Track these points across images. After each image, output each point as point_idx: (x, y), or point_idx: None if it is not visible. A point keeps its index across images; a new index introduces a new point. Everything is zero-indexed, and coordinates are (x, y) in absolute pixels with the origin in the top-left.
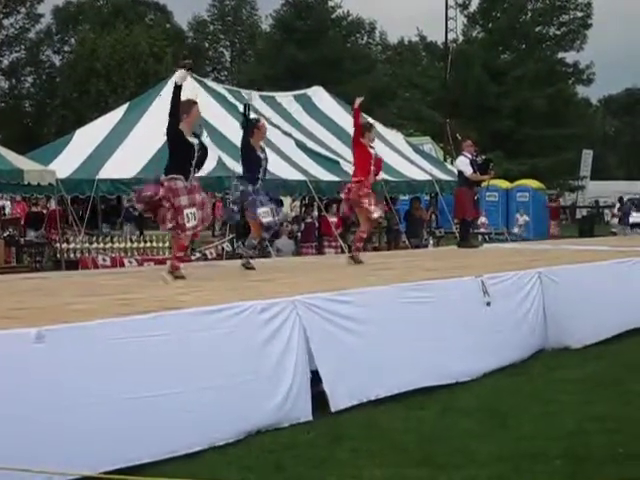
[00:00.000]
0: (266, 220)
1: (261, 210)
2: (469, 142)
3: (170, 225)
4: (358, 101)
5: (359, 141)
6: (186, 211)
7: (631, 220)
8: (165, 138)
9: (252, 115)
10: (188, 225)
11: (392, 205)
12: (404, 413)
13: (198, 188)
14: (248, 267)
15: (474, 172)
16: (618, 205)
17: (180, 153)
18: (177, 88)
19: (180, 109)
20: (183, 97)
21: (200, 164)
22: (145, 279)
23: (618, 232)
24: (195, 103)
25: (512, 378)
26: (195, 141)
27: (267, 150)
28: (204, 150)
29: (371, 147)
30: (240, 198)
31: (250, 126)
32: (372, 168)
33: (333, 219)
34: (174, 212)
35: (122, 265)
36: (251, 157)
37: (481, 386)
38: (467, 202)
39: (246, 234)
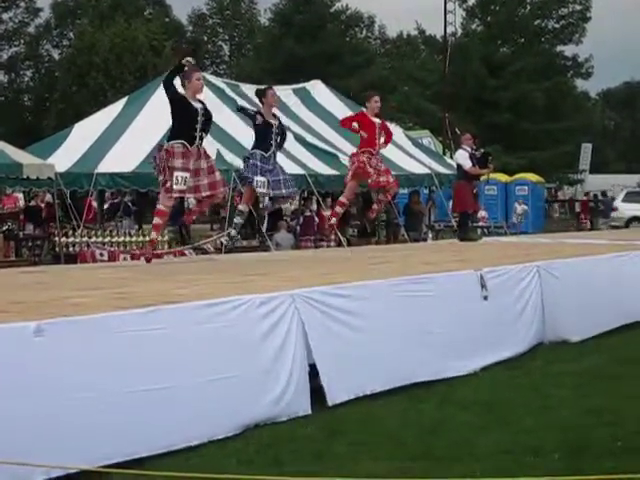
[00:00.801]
0: (259, 190)
1: (258, 179)
2: (468, 135)
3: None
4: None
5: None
6: (176, 174)
7: (628, 214)
8: (164, 129)
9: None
10: (175, 187)
11: (391, 199)
12: (403, 407)
13: (204, 154)
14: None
15: (473, 166)
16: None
17: (182, 118)
18: (178, 66)
19: (181, 78)
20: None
21: (205, 129)
22: (143, 273)
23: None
24: (196, 70)
25: (510, 372)
26: (199, 105)
27: None
28: (208, 115)
29: (376, 116)
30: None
31: (259, 95)
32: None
33: (327, 213)
34: (168, 174)
35: (117, 260)
36: (260, 126)
37: (479, 380)
38: (467, 195)
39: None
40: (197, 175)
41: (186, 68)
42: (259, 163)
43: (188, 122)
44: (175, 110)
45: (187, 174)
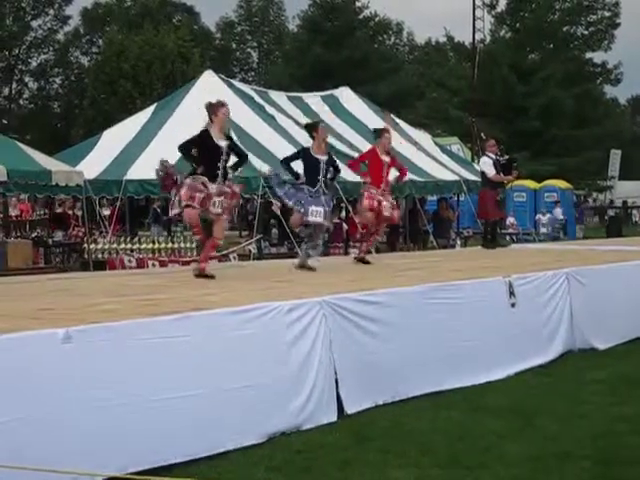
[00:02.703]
0: (315, 219)
1: (313, 209)
2: (492, 142)
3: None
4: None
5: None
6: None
7: None
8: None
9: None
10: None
11: (420, 206)
12: (431, 413)
13: (230, 193)
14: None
15: (497, 172)
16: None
17: (205, 154)
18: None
19: (208, 111)
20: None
21: (235, 166)
22: (172, 280)
23: None
24: (223, 105)
25: (540, 378)
26: (223, 143)
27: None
28: (238, 152)
29: (386, 153)
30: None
31: (309, 130)
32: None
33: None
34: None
35: (145, 266)
36: (308, 161)
37: (509, 386)
38: (489, 203)
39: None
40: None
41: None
42: (308, 197)
43: (210, 159)
44: (200, 146)
45: (221, 198)
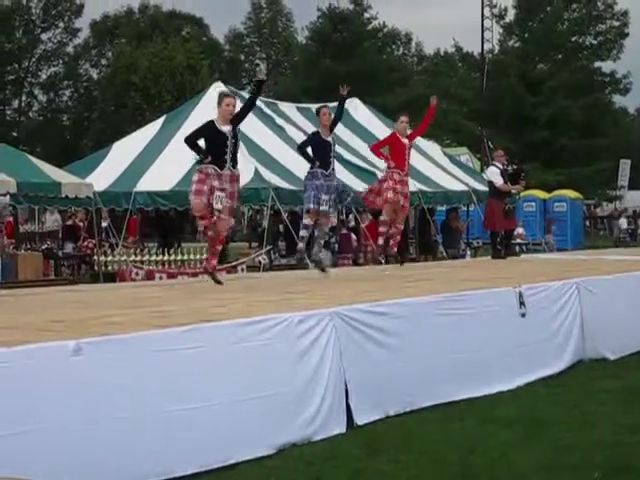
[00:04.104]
0: (323, 208)
1: (324, 197)
2: (500, 152)
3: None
4: None
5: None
6: (216, 193)
7: None
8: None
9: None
10: (214, 206)
11: (429, 216)
12: (442, 424)
13: (237, 179)
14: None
15: (504, 182)
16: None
17: (211, 142)
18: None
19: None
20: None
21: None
22: (182, 291)
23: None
24: (226, 95)
25: (551, 389)
26: (227, 129)
27: None
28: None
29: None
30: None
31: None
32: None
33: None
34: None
35: (152, 278)
36: (319, 143)
37: (520, 397)
38: (496, 214)
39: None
40: (231, 197)
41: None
42: (322, 182)
43: (216, 146)
44: (206, 135)
45: (223, 194)
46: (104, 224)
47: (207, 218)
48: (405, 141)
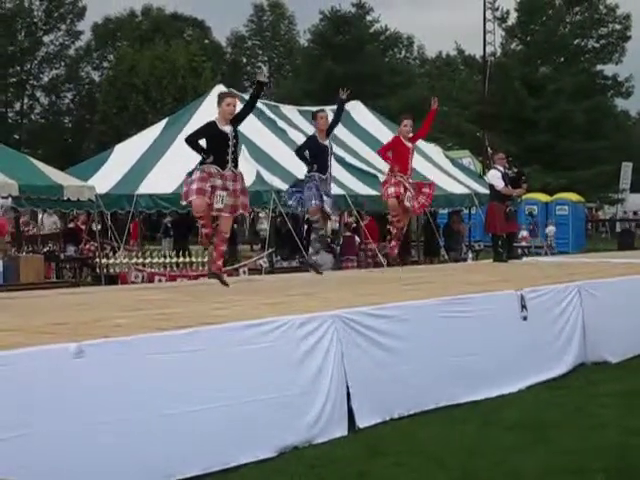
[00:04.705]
0: (326, 208)
1: (326, 199)
2: (501, 155)
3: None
4: None
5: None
6: (217, 192)
7: None
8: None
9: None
10: (215, 206)
11: (431, 219)
12: (444, 428)
13: (240, 177)
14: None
15: (505, 186)
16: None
17: (212, 142)
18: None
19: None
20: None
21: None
22: (184, 294)
23: None
24: (227, 95)
25: (553, 392)
26: (228, 128)
27: None
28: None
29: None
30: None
31: (313, 118)
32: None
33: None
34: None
35: (151, 282)
36: (316, 147)
37: (522, 400)
38: (497, 217)
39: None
40: (234, 195)
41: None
42: (313, 190)
43: (218, 146)
44: (207, 135)
45: (225, 192)
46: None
47: (206, 219)
48: (408, 145)
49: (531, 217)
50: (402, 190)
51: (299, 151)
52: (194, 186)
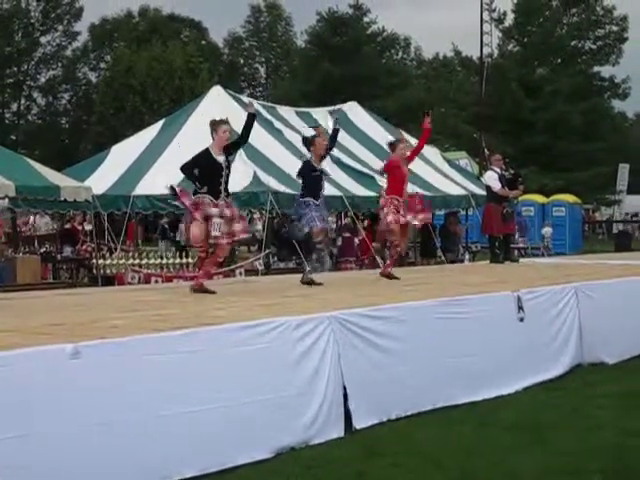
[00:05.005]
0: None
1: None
2: (498, 156)
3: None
4: None
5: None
6: (214, 220)
7: None
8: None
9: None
10: (212, 234)
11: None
12: (441, 428)
13: (225, 205)
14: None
15: (502, 187)
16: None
17: (206, 172)
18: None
19: (211, 128)
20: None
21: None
22: (181, 295)
23: None
24: (222, 122)
25: (550, 393)
26: (222, 158)
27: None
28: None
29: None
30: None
31: (307, 144)
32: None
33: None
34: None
35: (148, 283)
36: (311, 173)
37: (519, 401)
38: (494, 218)
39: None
40: (229, 222)
41: None
42: (314, 212)
43: (211, 176)
44: (201, 165)
45: (221, 220)
46: (87, 227)
47: (205, 247)
48: (405, 170)
49: (519, 216)
50: (401, 218)
51: (297, 176)
52: (189, 216)
